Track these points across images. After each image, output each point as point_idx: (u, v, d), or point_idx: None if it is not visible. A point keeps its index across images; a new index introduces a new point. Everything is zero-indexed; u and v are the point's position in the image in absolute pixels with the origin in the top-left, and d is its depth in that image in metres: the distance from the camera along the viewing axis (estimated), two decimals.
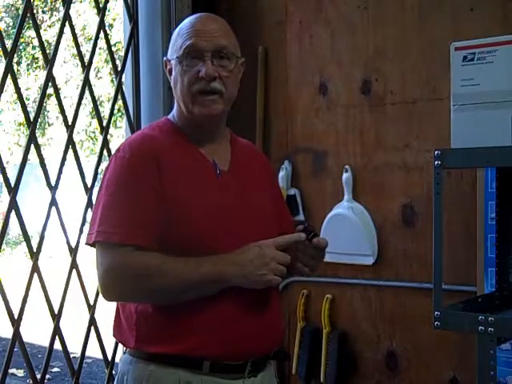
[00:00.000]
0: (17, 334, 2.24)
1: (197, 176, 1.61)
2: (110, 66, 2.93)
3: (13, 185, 2.23)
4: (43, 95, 2.43)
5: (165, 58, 1.69)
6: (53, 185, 2.38)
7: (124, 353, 1.65)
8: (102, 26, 2.60)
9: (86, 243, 1.59)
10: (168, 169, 1.57)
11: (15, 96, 2.36)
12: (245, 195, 1.66)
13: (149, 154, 1.57)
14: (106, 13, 2.73)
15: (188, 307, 1.54)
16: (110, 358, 2.60)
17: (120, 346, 1.73)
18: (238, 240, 1.55)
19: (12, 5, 11.35)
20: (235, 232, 1.58)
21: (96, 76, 10.85)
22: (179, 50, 1.60)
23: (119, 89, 2.68)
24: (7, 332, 2.33)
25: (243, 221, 1.61)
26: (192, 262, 1.51)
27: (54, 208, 2.38)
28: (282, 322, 1.75)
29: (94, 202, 1.68)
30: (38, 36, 2.44)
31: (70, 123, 2.47)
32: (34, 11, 2.47)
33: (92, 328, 2.54)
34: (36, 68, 11.42)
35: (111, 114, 2.76)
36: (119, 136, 10.09)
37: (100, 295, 1.62)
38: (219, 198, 1.61)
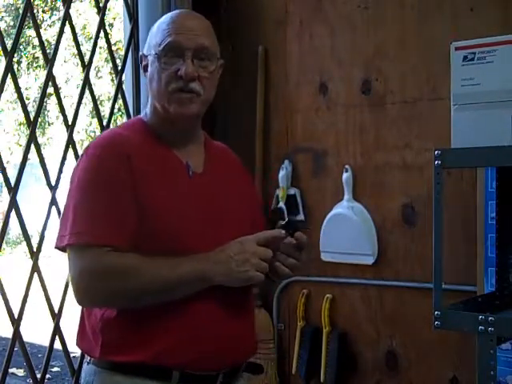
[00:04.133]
0: (17, 333, 2.24)
1: (168, 177, 1.55)
2: (110, 65, 2.93)
3: (13, 184, 2.24)
4: (43, 95, 2.44)
5: (140, 53, 1.61)
6: (53, 184, 2.38)
7: (88, 363, 1.57)
8: (102, 25, 2.60)
9: (57, 246, 1.51)
10: (139, 168, 1.51)
11: (15, 95, 2.35)
12: (217, 197, 1.60)
13: (120, 152, 1.51)
14: (106, 12, 2.73)
15: (156, 313, 1.47)
16: None
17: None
18: (210, 241, 1.50)
19: (12, 4, 11.34)
20: (207, 233, 1.53)
21: (96, 75, 10.84)
22: (158, 46, 1.53)
23: (119, 88, 2.68)
24: (7, 331, 2.33)
25: (215, 222, 1.56)
26: (171, 261, 1.46)
27: (54, 207, 2.38)
28: (255, 333, 1.68)
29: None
30: (38, 35, 2.44)
31: (70, 123, 2.47)
32: (35, 11, 2.47)
33: None
34: (36, 67, 11.42)
35: (111, 113, 2.76)
36: None
37: None
38: (191, 199, 1.56)
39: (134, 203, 1.48)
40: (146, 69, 1.60)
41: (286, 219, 1.58)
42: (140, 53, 1.63)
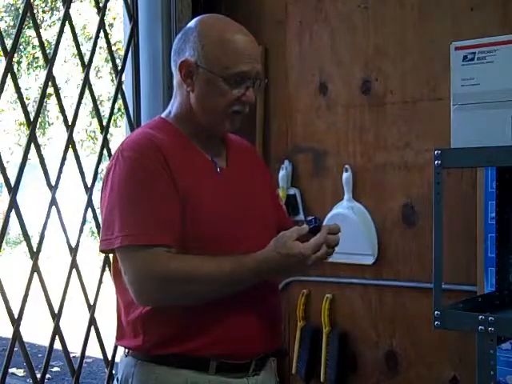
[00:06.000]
0: (17, 333, 2.24)
1: (201, 175, 1.61)
2: (110, 65, 2.93)
3: (13, 184, 2.23)
4: (43, 95, 2.43)
5: (189, 59, 1.60)
6: (53, 184, 2.38)
7: (126, 355, 1.63)
8: (102, 25, 2.60)
9: (106, 248, 1.56)
10: (175, 168, 1.56)
11: (15, 96, 2.35)
12: (244, 191, 1.67)
13: (157, 151, 1.55)
14: (106, 12, 2.73)
15: (194, 308, 1.54)
16: (109, 357, 2.60)
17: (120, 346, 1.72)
18: (246, 236, 1.58)
19: (12, 4, 11.34)
20: (242, 228, 1.60)
21: (96, 75, 10.85)
22: (225, 69, 1.57)
23: (119, 88, 2.68)
24: (7, 331, 2.33)
25: (248, 216, 1.63)
26: (228, 267, 1.51)
27: (54, 208, 2.38)
28: (282, 322, 1.77)
29: (99, 204, 1.63)
30: (38, 35, 2.44)
31: (70, 123, 2.47)
32: (34, 11, 2.47)
33: (92, 328, 2.54)
34: (36, 68, 11.41)
35: (111, 113, 2.76)
36: (119, 135, 10.07)
37: (108, 295, 1.61)
38: (223, 196, 1.62)
39: (178, 203, 1.53)
40: (189, 76, 1.61)
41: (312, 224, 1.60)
42: (183, 58, 1.61)
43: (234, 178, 1.67)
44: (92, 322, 2.54)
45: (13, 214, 2.24)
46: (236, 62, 1.58)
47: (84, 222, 2.51)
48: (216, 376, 1.57)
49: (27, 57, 11.34)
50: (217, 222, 1.57)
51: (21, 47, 10.89)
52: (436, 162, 1.70)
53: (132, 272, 1.51)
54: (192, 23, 1.66)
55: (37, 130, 2.38)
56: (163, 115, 1.71)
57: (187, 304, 1.54)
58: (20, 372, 5.29)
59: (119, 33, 9.27)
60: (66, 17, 2.46)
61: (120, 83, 2.68)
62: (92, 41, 2.64)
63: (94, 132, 11.29)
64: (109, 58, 2.99)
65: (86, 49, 8.35)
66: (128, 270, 1.52)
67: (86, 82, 2.56)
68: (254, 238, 1.56)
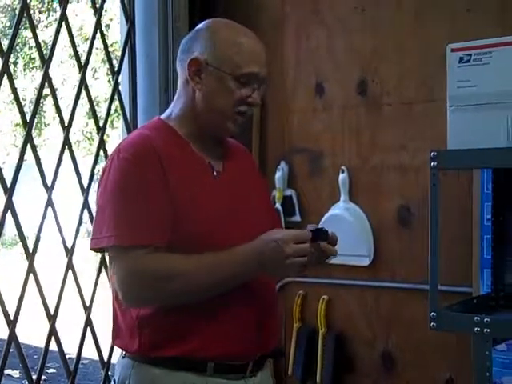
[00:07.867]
0: (13, 334, 2.24)
1: (196, 178, 1.62)
2: (107, 66, 2.92)
3: (9, 185, 2.23)
4: (39, 96, 2.43)
5: (199, 57, 1.61)
6: (49, 185, 2.38)
7: (123, 357, 1.63)
8: (98, 26, 2.60)
9: (96, 247, 1.57)
10: (170, 170, 1.56)
11: (12, 96, 2.35)
12: (241, 195, 1.68)
13: (152, 153, 1.56)
14: (103, 13, 2.73)
15: (191, 310, 1.54)
16: (106, 359, 2.60)
17: (116, 347, 1.72)
18: (240, 240, 1.56)
19: (9, 5, 11.32)
20: (236, 232, 1.60)
21: (93, 76, 10.83)
22: (237, 69, 1.59)
23: (116, 89, 2.68)
24: (3, 333, 2.33)
25: (243, 219, 1.63)
26: (213, 264, 1.53)
27: (50, 208, 2.38)
28: (279, 322, 1.77)
29: (95, 204, 1.64)
30: (35, 36, 2.44)
31: (66, 124, 2.47)
32: (31, 11, 2.46)
33: (88, 329, 2.54)
34: (33, 68, 11.39)
35: (108, 114, 2.76)
36: (116, 136, 10.07)
37: (104, 297, 1.61)
38: (218, 199, 1.63)
39: (169, 204, 1.54)
40: (197, 73, 1.62)
41: (316, 227, 1.63)
42: (192, 56, 1.62)
43: (230, 181, 1.67)
44: (88, 323, 2.53)
45: (9, 214, 2.24)
46: (248, 61, 1.60)
47: (80, 223, 2.50)
48: (214, 377, 1.57)
49: (23, 57, 11.32)
50: (211, 224, 1.57)
51: (17, 48, 10.86)
52: (432, 164, 1.70)
53: (120, 272, 1.53)
54: (202, 25, 1.68)
55: (33, 131, 2.37)
56: (163, 116, 1.71)
57: (177, 303, 1.54)
58: (16, 373, 5.28)
59: (116, 34, 9.26)
60: (63, 18, 2.46)
61: (116, 84, 2.68)
62: (89, 42, 2.64)
63: (91, 133, 11.25)
64: (105, 58, 2.99)
65: (82, 50, 8.33)
66: (115, 270, 1.53)
67: (83, 83, 2.56)
68: (248, 241, 1.55)
